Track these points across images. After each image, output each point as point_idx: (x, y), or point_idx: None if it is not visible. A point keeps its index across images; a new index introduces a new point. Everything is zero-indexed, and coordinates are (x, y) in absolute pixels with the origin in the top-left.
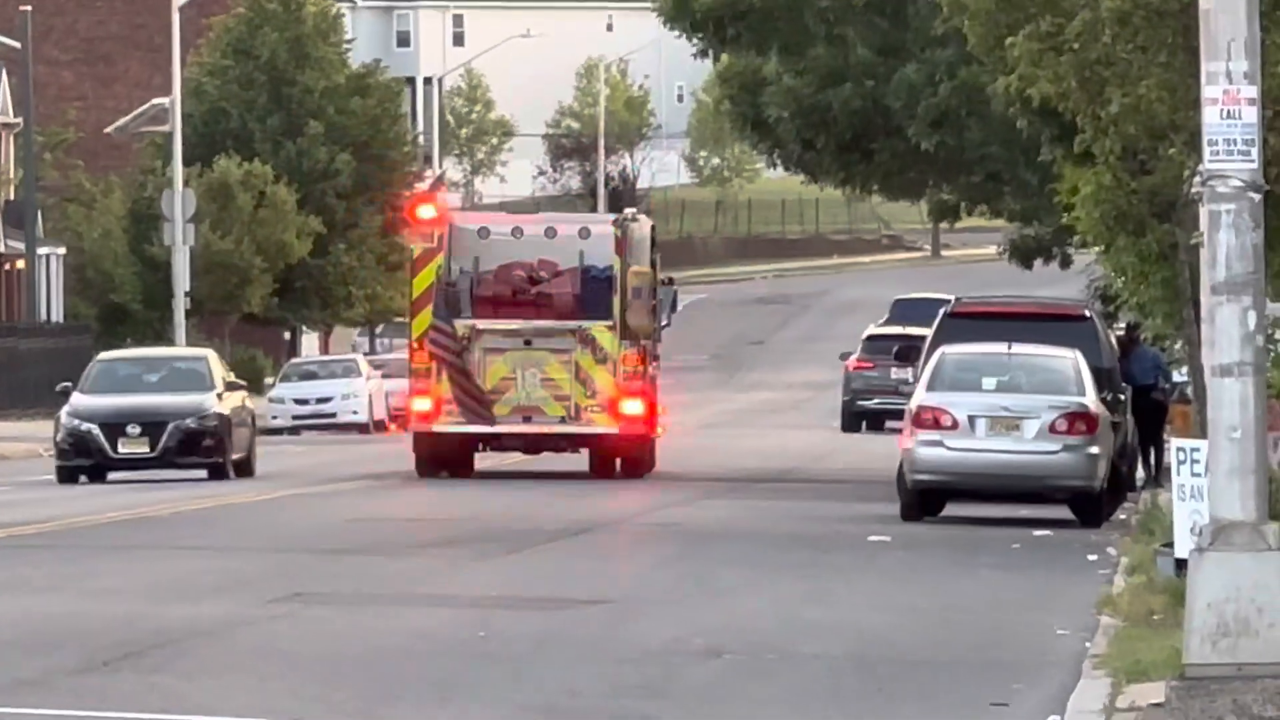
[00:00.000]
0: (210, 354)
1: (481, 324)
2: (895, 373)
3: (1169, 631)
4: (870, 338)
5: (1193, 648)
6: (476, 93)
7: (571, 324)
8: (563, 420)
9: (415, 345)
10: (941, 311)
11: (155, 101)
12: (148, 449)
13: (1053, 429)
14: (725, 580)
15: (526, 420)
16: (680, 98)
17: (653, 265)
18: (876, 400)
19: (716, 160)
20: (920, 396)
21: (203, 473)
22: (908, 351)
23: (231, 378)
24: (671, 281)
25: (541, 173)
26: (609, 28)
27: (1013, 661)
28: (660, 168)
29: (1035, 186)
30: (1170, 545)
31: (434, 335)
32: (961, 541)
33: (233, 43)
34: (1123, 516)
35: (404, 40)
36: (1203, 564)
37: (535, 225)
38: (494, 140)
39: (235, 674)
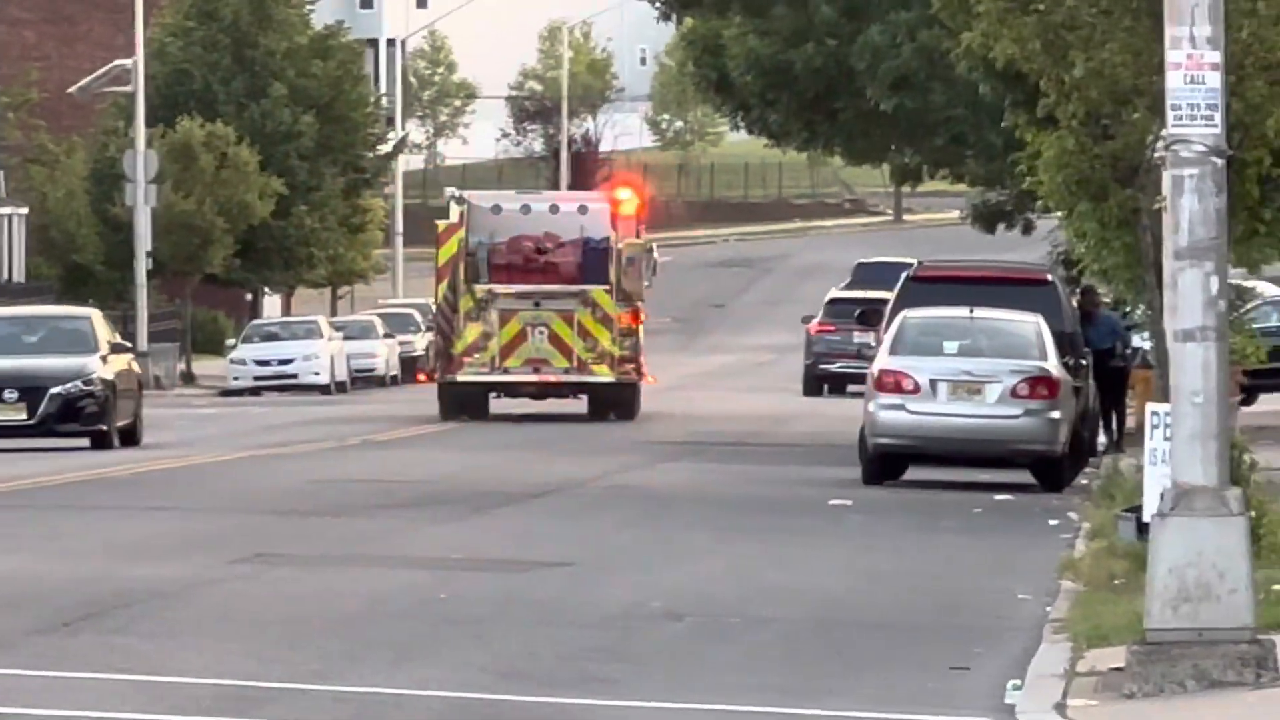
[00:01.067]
0: (95, 314)
1: (497, 288)
2: (857, 336)
3: (1130, 596)
4: (832, 301)
5: (1154, 612)
6: (439, 55)
7: (574, 288)
8: (566, 371)
9: (438, 308)
10: (904, 275)
11: (118, 62)
12: (25, 416)
13: (1014, 393)
14: (685, 543)
15: (536, 370)
16: (643, 61)
17: (638, 235)
18: (838, 364)
19: (679, 123)
20: (882, 360)
21: (85, 441)
22: (870, 315)
23: (117, 339)
24: (652, 248)
25: (504, 135)
26: None
27: (973, 626)
28: (623, 131)
29: (998, 150)
30: (1131, 510)
31: (439, 304)
32: (922, 506)
33: (196, 4)
34: (1084, 481)
35: (367, 2)
36: (1164, 529)
37: (541, 202)
38: (457, 102)
39: (195, 635)
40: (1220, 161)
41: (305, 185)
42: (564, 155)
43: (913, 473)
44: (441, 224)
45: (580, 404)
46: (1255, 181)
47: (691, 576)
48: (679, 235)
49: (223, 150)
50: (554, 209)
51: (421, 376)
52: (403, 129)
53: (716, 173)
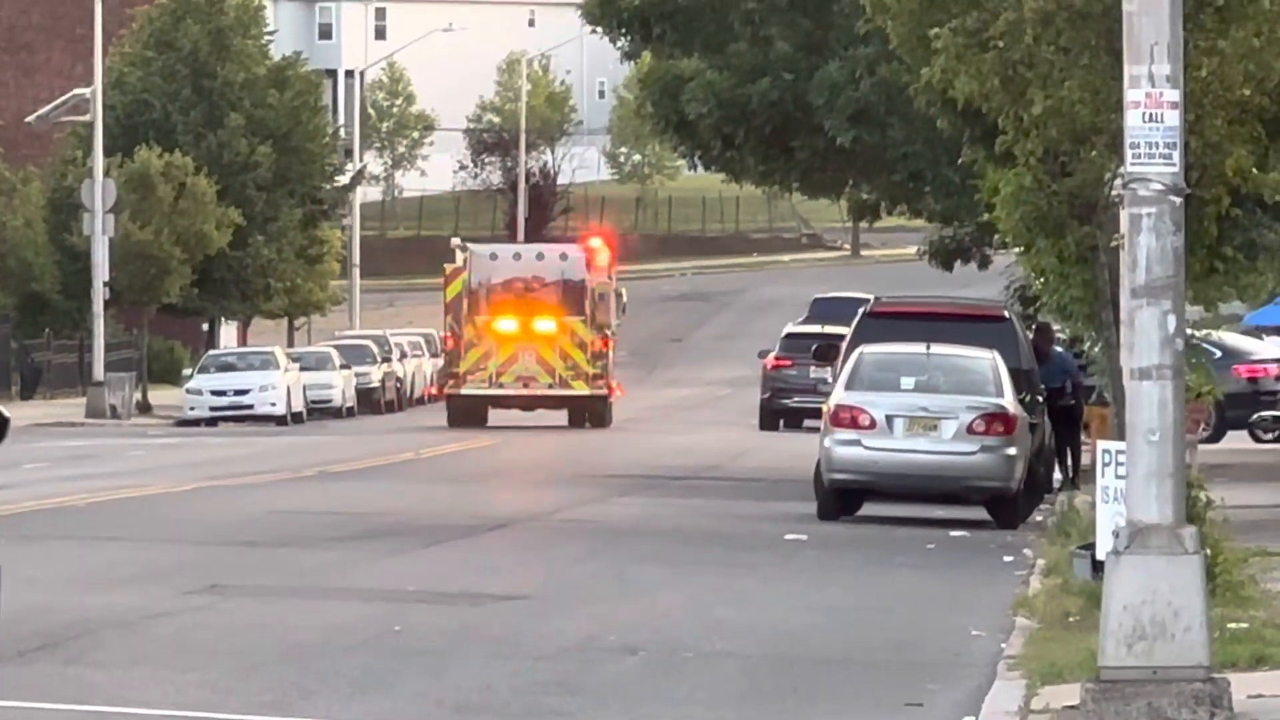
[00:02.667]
0: None
1: (494, 319)
2: (814, 371)
3: (1084, 634)
4: (789, 336)
5: (1108, 650)
6: (398, 86)
7: (556, 319)
8: (550, 386)
9: (446, 335)
10: (860, 311)
11: (76, 91)
12: None
13: (970, 430)
14: (641, 577)
15: (525, 385)
16: (601, 94)
17: (610, 278)
18: (795, 399)
19: (637, 157)
20: (838, 395)
21: None
22: (826, 350)
23: None
24: (621, 290)
25: (462, 167)
26: (531, 23)
27: (928, 662)
28: (581, 164)
29: (956, 186)
30: (1086, 547)
31: (446, 333)
32: (878, 541)
33: (155, 34)
34: (1039, 518)
35: (326, 33)
36: (1119, 566)
37: (529, 251)
38: (415, 134)
39: (151, 666)
40: (1178, 200)
41: (262, 216)
42: (522, 188)
43: (868, 508)
44: (448, 267)
45: (561, 416)
46: (1213, 220)
47: (647, 610)
48: (636, 269)
49: (181, 180)
50: (540, 256)
51: (433, 391)
52: (360, 160)
53: (674, 206)
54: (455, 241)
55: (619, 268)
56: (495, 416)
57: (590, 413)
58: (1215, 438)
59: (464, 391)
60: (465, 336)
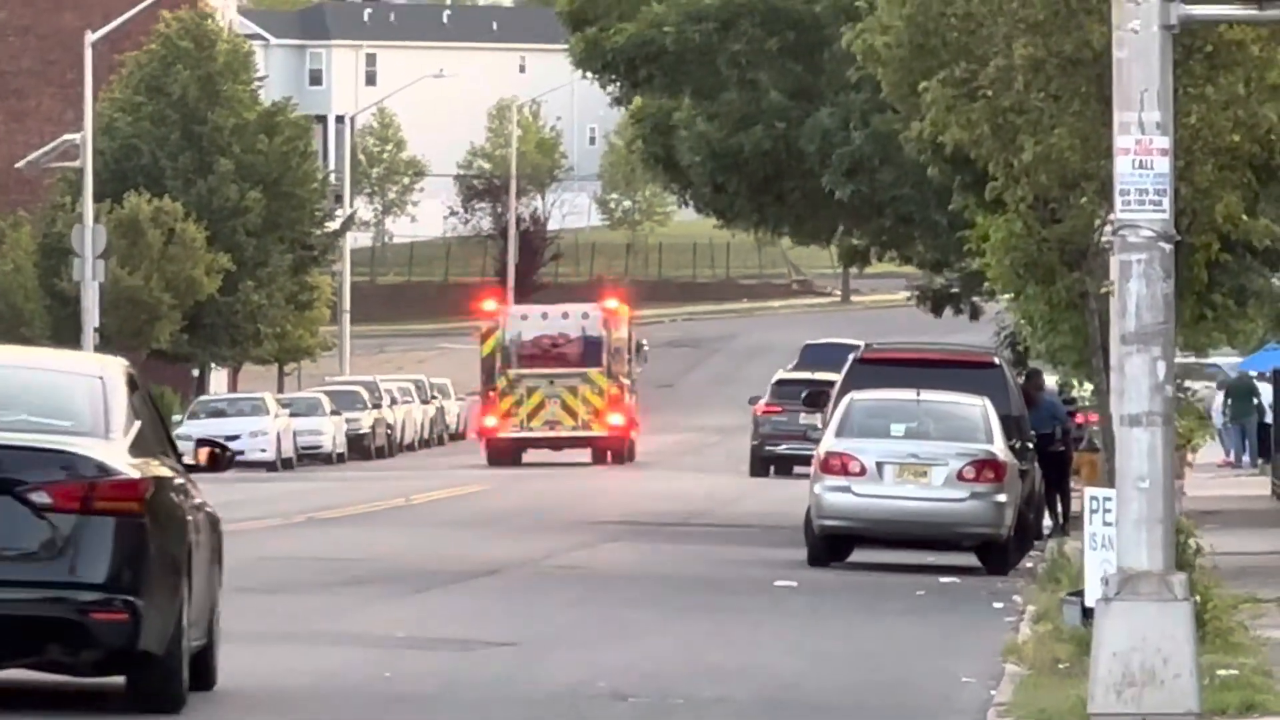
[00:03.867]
0: None
1: (524, 372)
2: (804, 418)
3: (1074, 680)
4: (779, 382)
5: (1097, 697)
6: (388, 132)
7: (578, 370)
8: (574, 429)
9: (487, 387)
10: (851, 357)
11: (66, 137)
12: None
13: (961, 476)
14: (631, 623)
15: (552, 429)
16: (592, 140)
17: (629, 335)
18: (785, 445)
19: (628, 203)
20: (828, 442)
21: None
22: (816, 397)
23: None
24: (643, 343)
25: (453, 213)
26: (521, 69)
27: (918, 708)
28: (571, 210)
29: (946, 233)
30: (1076, 594)
31: (484, 384)
32: (868, 587)
33: (145, 79)
34: (1029, 564)
35: (316, 78)
36: (1109, 613)
37: (555, 310)
38: (405, 180)
39: (141, 713)
40: (1168, 246)
41: (252, 261)
42: (512, 234)
43: (858, 554)
44: (484, 325)
45: (585, 453)
46: (1203, 266)
47: (637, 656)
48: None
49: (170, 226)
50: (565, 315)
51: (473, 435)
52: (351, 206)
53: (664, 252)
54: (489, 304)
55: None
56: (530, 455)
57: (612, 451)
58: None
59: (500, 435)
60: (499, 387)
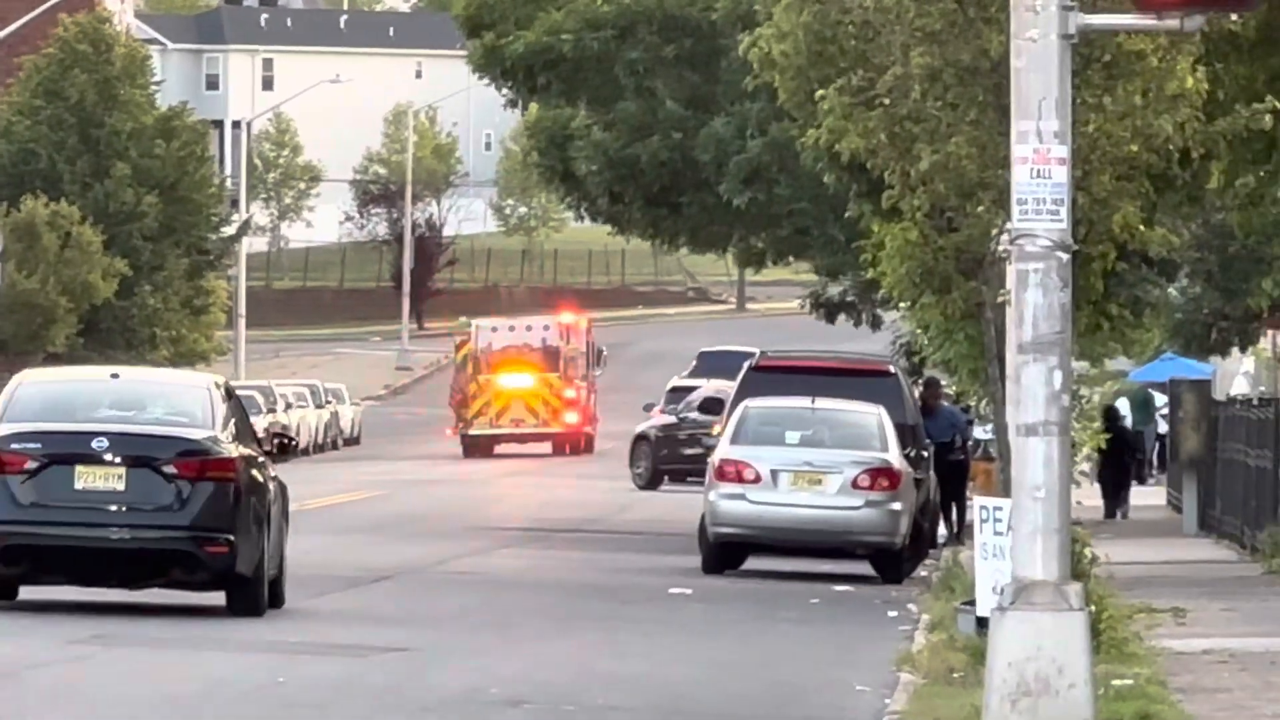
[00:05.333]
0: None
1: (494, 377)
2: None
3: (969, 690)
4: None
5: (993, 706)
6: (285, 137)
7: (540, 375)
8: (536, 426)
9: (462, 391)
10: (746, 365)
11: None
12: None
13: (855, 484)
14: (525, 630)
15: (517, 426)
16: (488, 146)
17: (588, 343)
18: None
19: (523, 209)
20: (723, 450)
21: None
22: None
23: None
24: (602, 349)
25: (349, 218)
26: (418, 74)
27: (812, 717)
28: (467, 215)
29: (842, 242)
30: (971, 603)
31: (458, 388)
32: (762, 596)
33: (43, 83)
34: (924, 573)
35: (213, 83)
36: (1004, 623)
37: (520, 323)
38: (301, 185)
39: (32, 716)
40: (1065, 256)
41: (149, 265)
42: (407, 239)
43: (752, 562)
44: (458, 338)
45: (547, 446)
46: (1100, 276)
47: (531, 663)
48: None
49: (67, 230)
50: (528, 328)
51: (449, 432)
52: (247, 211)
53: (560, 259)
54: (463, 320)
55: (497, 318)
56: (501, 448)
57: (569, 444)
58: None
59: (472, 432)
60: (470, 391)
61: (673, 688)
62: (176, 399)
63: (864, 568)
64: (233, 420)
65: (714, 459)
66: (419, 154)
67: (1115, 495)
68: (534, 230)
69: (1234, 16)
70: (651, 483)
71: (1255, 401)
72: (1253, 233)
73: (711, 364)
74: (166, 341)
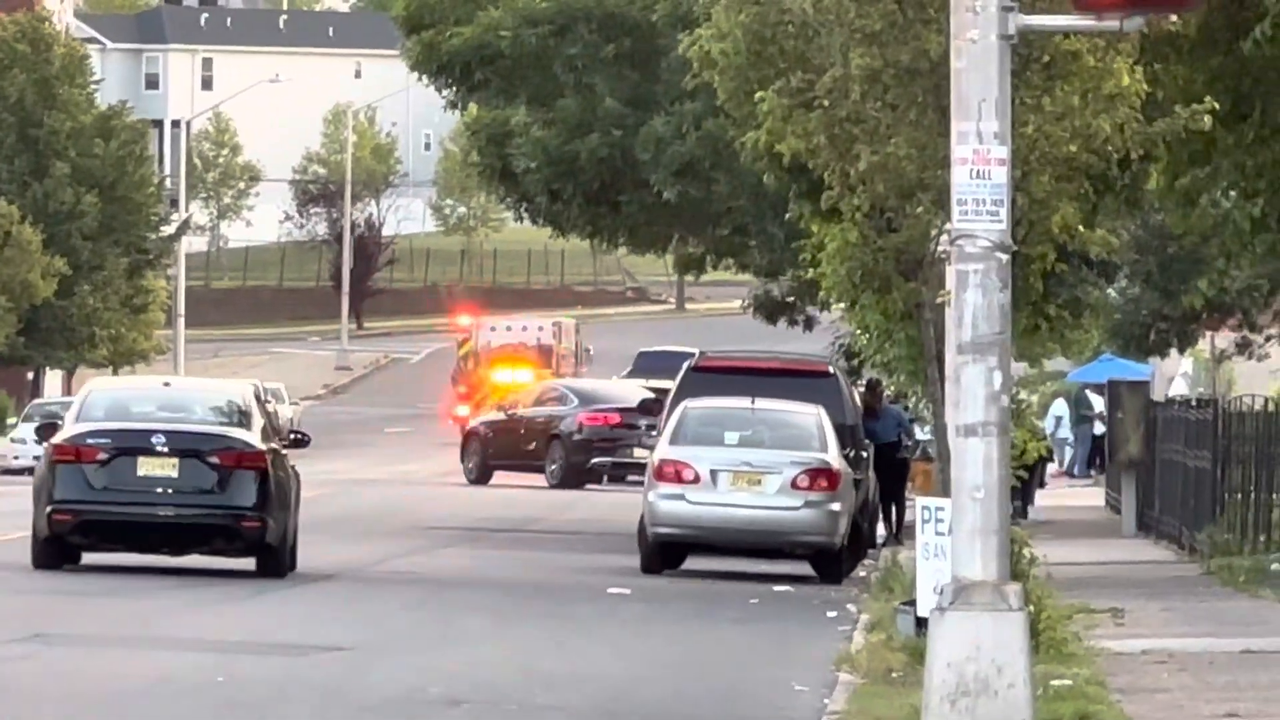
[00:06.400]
0: None
1: (491, 372)
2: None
3: (908, 690)
4: None
5: (932, 706)
6: (224, 137)
7: (532, 371)
8: None
9: (462, 384)
10: (685, 365)
11: None
12: None
13: (795, 485)
14: (464, 629)
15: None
16: (427, 146)
17: (576, 342)
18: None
19: (463, 209)
20: (662, 450)
21: None
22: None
23: None
24: (589, 348)
25: (288, 218)
26: (357, 74)
27: (751, 716)
28: (406, 215)
29: (781, 242)
30: (910, 603)
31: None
32: (702, 595)
33: None
34: (863, 573)
35: (153, 82)
36: (943, 623)
37: (516, 323)
38: (241, 184)
39: None
40: (1005, 257)
41: (88, 265)
42: (347, 239)
43: (692, 562)
44: (459, 336)
45: None
46: (1039, 276)
47: (471, 662)
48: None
49: (6, 229)
50: (524, 328)
51: (452, 421)
52: (186, 210)
53: (499, 259)
54: (465, 319)
55: (435, 318)
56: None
57: None
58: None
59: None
60: (472, 384)
61: (613, 687)
62: (217, 403)
63: (803, 568)
64: (262, 420)
65: (653, 459)
66: (358, 154)
67: (1020, 495)
68: (473, 230)
69: (1173, 17)
70: (481, 478)
71: (1193, 403)
72: (1191, 233)
73: (650, 364)
74: (106, 340)
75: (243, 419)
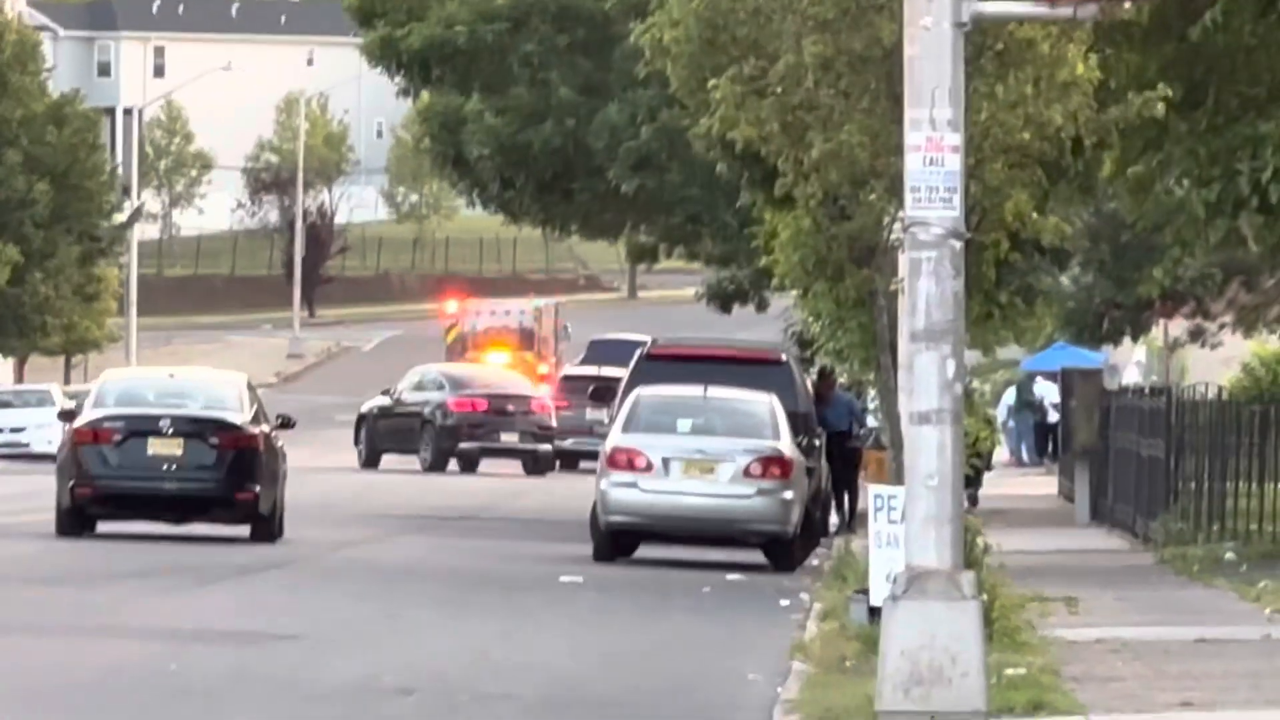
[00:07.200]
0: None
1: (478, 353)
2: (590, 413)
3: (861, 678)
4: (566, 378)
5: (885, 695)
6: (176, 124)
7: (516, 352)
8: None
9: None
10: (638, 353)
11: None
12: None
13: (747, 473)
14: (416, 618)
15: None
16: (380, 133)
17: (555, 324)
18: (571, 440)
19: (415, 197)
20: (615, 438)
21: None
22: (603, 392)
23: None
24: (567, 325)
25: (240, 206)
26: (310, 62)
27: (704, 705)
28: (358, 203)
29: (735, 229)
30: (863, 591)
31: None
32: (654, 584)
33: None
34: (815, 562)
35: (105, 70)
36: (897, 611)
37: (500, 307)
38: (193, 173)
39: None
40: (958, 244)
41: (40, 253)
42: (299, 227)
43: (644, 550)
44: (446, 320)
45: None
46: (992, 264)
47: (422, 652)
48: (411, 309)
49: None
50: (507, 312)
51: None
52: (138, 198)
53: (451, 247)
54: (452, 305)
55: (388, 305)
56: None
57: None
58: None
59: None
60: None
61: (565, 676)
62: (216, 391)
63: (756, 556)
64: (255, 406)
65: (606, 447)
66: (310, 142)
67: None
68: (425, 218)
69: (1127, 5)
70: (370, 461)
71: (1147, 391)
72: (1144, 221)
73: (603, 352)
74: (58, 329)
75: (238, 405)
